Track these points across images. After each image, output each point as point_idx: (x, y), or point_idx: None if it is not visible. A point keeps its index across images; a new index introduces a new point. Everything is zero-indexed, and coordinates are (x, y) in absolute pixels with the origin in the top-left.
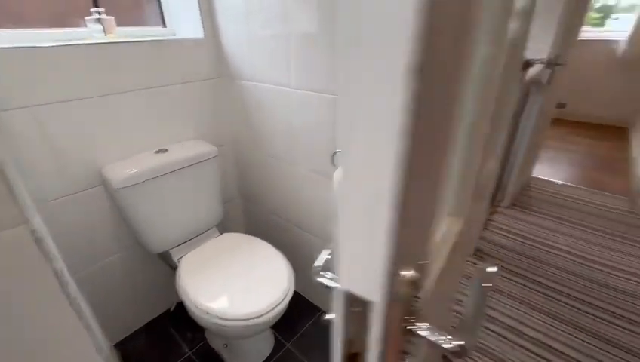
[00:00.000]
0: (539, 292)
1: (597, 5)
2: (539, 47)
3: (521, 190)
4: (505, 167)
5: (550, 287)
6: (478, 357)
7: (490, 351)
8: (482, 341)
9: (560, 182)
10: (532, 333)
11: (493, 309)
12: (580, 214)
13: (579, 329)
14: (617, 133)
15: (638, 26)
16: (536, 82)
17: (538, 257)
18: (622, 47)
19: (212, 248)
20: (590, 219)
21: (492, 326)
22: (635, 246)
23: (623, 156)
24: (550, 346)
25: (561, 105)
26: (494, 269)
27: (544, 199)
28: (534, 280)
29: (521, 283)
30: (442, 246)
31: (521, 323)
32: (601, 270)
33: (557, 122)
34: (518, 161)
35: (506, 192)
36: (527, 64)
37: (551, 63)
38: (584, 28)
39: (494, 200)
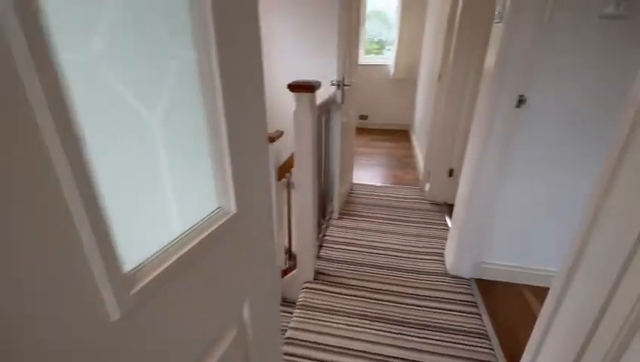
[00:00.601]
0: (365, 298)
1: (376, 39)
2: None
3: (347, 198)
4: (328, 182)
5: (375, 289)
6: None
7: None
8: None
9: (374, 183)
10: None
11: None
12: (391, 210)
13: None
14: (404, 135)
15: (397, 55)
16: (334, 102)
17: (365, 261)
18: (392, 71)
19: None
20: (398, 212)
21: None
22: (428, 226)
23: (411, 153)
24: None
25: (363, 117)
26: None
27: (365, 202)
28: (363, 287)
29: (358, 296)
30: None
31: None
32: (408, 257)
33: (363, 131)
34: (336, 174)
35: (334, 205)
36: (312, 87)
37: (339, 85)
38: (370, 55)
39: (326, 214)
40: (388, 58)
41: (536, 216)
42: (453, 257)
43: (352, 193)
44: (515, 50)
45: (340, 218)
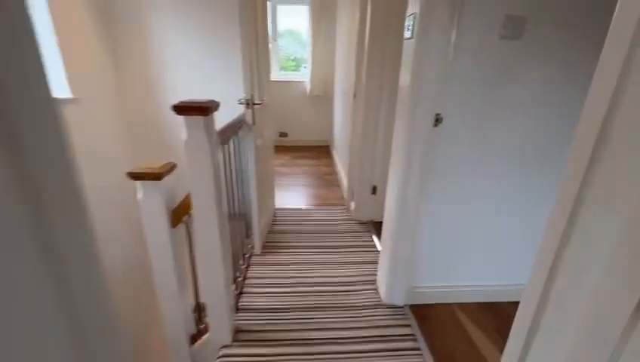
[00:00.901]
0: (298, 357)
1: (292, 57)
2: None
3: (270, 227)
4: (245, 215)
5: (308, 340)
6: None
7: None
8: None
9: (298, 206)
10: None
11: None
12: (318, 236)
13: None
14: (325, 150)
15: (312, 73)
16: (244, 123)
17: (294, 305)
18: (308, 87)
19: None
20: (326, 238)
21: None
22: (358, 250)
23: (334, 170)
24: None
25: (283, 135)
26: None
27: (290, 230)
28: (294, 340)
29: (288, 356)
30: None
31: None
32: (340, 291)
33: (284, 149)
34: (254, 204)
35: (255, 240)
36: (207, 109)
37: (249, 104)
38: (287, 72)
39: (245, 251)
40: (305, 75)
41: (459, 234)
42: (386, 285)
43: (275, 221)
44: (429, 68)
45: (262, 253)
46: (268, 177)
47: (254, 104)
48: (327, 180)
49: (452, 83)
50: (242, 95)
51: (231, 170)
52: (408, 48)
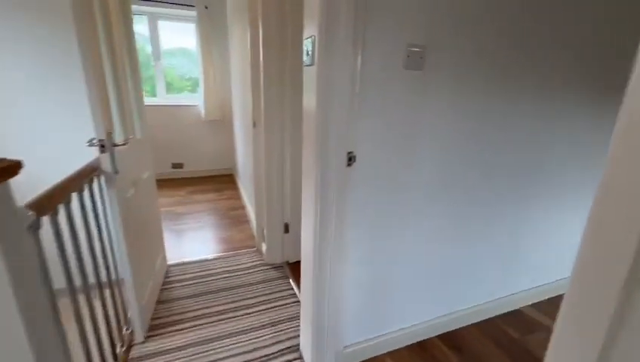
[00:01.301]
0: None
1: (187, 76)
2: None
3: (160, 294)
4: (114, 295)
5: None
6: None
7: None
8: None
9: (201, 257)
10: None
11: None
12: (227, 294)
13: None
14: (229, 180)
15: (206, 95)
16: (102, 173)
17: None
18: (203, 111)
19: None
20: (237, 294)
21: None
22: (276, 305)
23: (240, 204)
24: None
25: (178, 166)
26: None
27: (191, 293)
28: None
29: None
30: None
31: None
32: None
33: (179, 183)
34: (128, 279)
35: (134, 323)
36: None
37: (104, 146)
38: (184, 93)
39: (121, 339)
40: (199, 98)
41: (385, 277)
42: (312, 351)
43: (168, 284)
44: (335, 100)
45: (148, 338)
46: (151, 229)
47: (114, 145)
48: (233, 217)
49: (362, 117)
50: (94, 134)
51: (89, 233)
52: (309, 77)
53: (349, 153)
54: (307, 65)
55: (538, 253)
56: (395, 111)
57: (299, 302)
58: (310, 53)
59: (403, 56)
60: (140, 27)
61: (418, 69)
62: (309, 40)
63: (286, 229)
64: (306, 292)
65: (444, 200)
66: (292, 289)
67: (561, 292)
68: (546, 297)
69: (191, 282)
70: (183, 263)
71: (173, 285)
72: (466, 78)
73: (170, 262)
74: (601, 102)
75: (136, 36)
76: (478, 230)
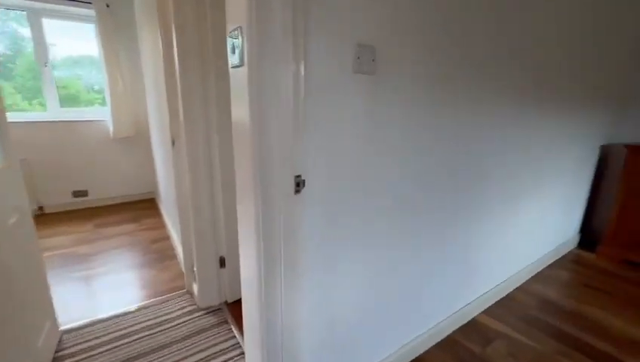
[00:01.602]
0: None
1: (95, 87)
2: None
3: None
4: None
5: None
6: None
7: None
8: None
9: (109, 314)
10: None
11: None
12: (151, 358)
13: None
14: (150, 205)
15: (114, 109)
16: None
17: None
18: (111, 128)
19: None
20: (165, 357)
21: None
22: None
23: (165, 234)
24: None
25: (80, 194)
26: None
27: None
28: None
29: None
30: None
31: None
32: None
33: (83, 215)
34: None
35: None
36: None
37: None
38: (92, 107)
39: None
40: (106, 113)
41: (341, 321)
42: None
43: (60, 358)
44: (273, 110)
45: None
46: (22, 293)
47: None
48: (157, 251)
49: (310, 131)
50: None
51: None
52: (238, 82)
53: (297, 177)
54: (234, 67)
55: (485, 258)
56: (347, 124)
57: (243, 353)
58: (238, 50)
59: (352, 59)
60: (16, 25)
61: (371, 73)
62: (236, 32)
63: (222, 263)
64: (247, 334)
65: (410, 223)
66: (234, 337)
67: (505, 293)
68: (494, 301)
69: (100, 350)
70: (88, 324)
71: (74, 358)
72: (424, 83)
73: (65, 326)
74: (542, 111)
75: (14, 37)
76: (434, 247)
